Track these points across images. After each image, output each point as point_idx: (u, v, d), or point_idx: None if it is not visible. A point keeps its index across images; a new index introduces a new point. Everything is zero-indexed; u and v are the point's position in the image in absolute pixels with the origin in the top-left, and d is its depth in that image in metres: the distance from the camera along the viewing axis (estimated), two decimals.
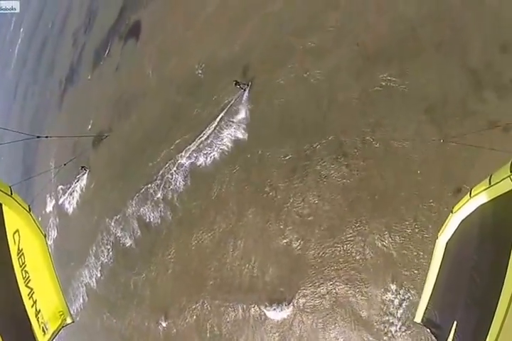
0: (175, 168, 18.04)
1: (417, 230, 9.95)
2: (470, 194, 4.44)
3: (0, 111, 48.20)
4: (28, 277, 5.56)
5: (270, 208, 13.41)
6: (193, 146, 17.40)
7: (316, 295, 11.50)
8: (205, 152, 16.78)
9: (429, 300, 5.86)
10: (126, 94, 23.96)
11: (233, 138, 15.65)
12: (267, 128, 14.42)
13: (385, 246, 10.36)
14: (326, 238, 11.61)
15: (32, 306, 5.74)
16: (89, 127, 26.24)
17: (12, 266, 5.23)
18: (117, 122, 23.89)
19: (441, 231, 5.16)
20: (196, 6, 20.38)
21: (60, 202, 28.31)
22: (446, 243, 5.17)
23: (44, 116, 36.55)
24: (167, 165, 18.45)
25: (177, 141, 18.25)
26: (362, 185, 11.24)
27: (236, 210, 14.73)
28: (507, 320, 4.01)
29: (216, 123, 16.50)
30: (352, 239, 11.06)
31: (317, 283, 11.54)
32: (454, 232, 4.98)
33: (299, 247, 12.26)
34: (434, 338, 5.94)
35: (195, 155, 17.20)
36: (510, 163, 3.81)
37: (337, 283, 11.09)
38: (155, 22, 23.72)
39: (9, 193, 4.88)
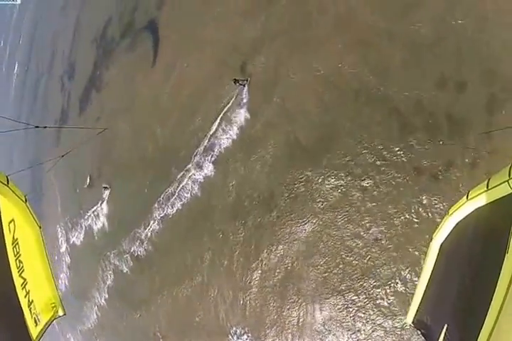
0: (152, 217, 20.75)
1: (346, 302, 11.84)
2: (467, 196, 4.45)
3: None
4: (22, 267, 5.50)
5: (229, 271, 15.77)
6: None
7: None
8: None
9: (421, 301, 5.86)
10: (108, 149, 26.47)
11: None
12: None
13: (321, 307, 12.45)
14: (272, 298, 13.95)
15: (25, 296, 5.67)
16: (88, 182, 28.71)
17: (6, 255, 5.16)
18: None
19: (435, 233, 5.18)
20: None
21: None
22: (441, 245, 5.20)
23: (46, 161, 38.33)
24: (148, 216, 21.04)
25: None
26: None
27: (203, 264, 17.01)
28: (498, 325, 4.00)
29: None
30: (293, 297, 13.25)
31: (272, 328, 13.84)
32: (449, 234, 5.00)
33: (253, 297, 14.51)
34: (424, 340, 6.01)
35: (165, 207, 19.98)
36: (508, 167, 3.81)
37: (287, 331, 13.41)
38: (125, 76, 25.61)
39: (5, 182, 4.83)
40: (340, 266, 11.89)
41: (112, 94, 27.01)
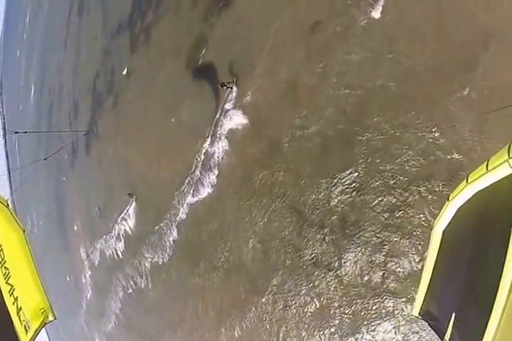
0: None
1: None
2: (467, 180, 4.21)
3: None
4: (8, 273, 5.32)
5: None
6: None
7: None
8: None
9: (427, 292, 5.65)
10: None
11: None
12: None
13: None
14: None
15: (13, 303, 5.50)
16: (97, 211, 31.43)
17: None
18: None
19: (437, 220, 4.93)
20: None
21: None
22: (443, 232, 4.96)
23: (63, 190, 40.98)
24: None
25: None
26: None
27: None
28: (507, 311, 3.80)
29: None
30: None
31: None
32: (451, 221, 4.76)
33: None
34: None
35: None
36: (508, 146, 3.58)
37: None
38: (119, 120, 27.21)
39: None
40: None
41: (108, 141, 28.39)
